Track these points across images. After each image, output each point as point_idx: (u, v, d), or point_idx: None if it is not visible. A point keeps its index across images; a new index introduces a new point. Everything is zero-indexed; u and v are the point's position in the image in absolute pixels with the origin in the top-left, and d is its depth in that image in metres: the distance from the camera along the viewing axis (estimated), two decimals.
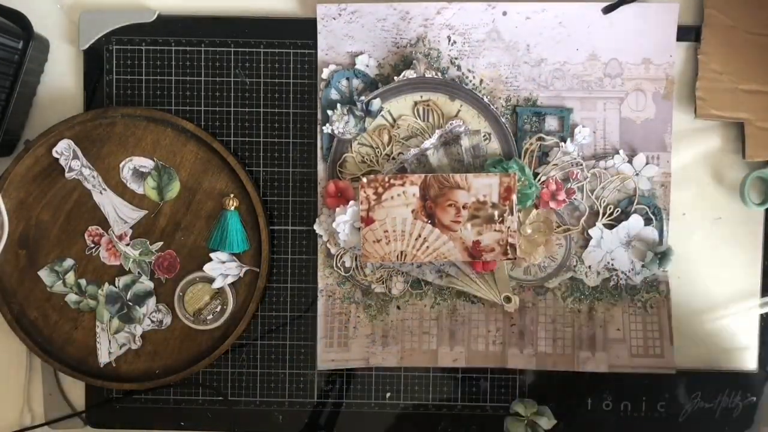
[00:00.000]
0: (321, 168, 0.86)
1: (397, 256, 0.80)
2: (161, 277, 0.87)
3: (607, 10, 0.84)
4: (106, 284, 0.86)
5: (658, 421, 0.88)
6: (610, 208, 0.85)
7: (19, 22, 0.83)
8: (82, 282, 0.86)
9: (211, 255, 0.85)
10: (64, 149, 0.85)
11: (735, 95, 0.84)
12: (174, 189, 0.86)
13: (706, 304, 0.88)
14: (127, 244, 0.86)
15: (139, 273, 0.86)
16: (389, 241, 0.80)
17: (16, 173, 0.85)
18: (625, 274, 0.86)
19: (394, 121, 0.85)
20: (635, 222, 0.85)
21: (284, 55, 0.87)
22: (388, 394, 0.89)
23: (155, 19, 0.86)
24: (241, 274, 0.86)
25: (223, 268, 0.85)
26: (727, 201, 0.87)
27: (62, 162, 0.85)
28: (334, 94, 0.85)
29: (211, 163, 0.86)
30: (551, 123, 0.85)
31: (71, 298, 0.87)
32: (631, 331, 0.87)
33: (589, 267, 0.86)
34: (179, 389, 0.89)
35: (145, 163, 0.86)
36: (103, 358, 0.87)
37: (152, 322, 0.87)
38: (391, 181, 0.79)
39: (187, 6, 0.87)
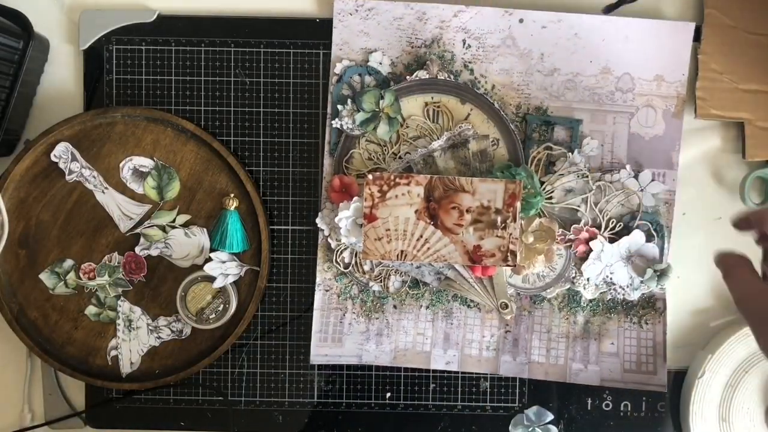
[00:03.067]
0: (327, 163, 0.86)
1: (398, 255, 0.80)
2: (134, 279, 0.87)
3: (608, 10, 0.84)
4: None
5: (658, 421, 0.88)
6: (612, 222, 0.85)
7: (19, 22, 0.83)
8: (101, 295, 0.87)
9: (211, 255, 0.85)
10: (62, 152, 0.85)
11: (735, 95, 0.84)
12: (174, 189, 0.86)
13: (706, 303, 0.88)
14: (92, 278, 0.87)
15: (104, 298, 0.87)
16: (390, 239, 0.80)
17: (16, 173, 0.85)
18: (623, 289, 0.85)
19: (404, 120, 0.85)
20: (637, 237, 0.84)
21: (284, 54, 0.87)
22: (388, 394, 0.89)
23: (155, 19, 0.86)
24: (242, 274, 0.86)
25: (223, 268, 0.85)
26: (727, 201, 0.87)
27: (61, 165, 0.85)
28: (345, 90, 0.85)
29: (211, 162, 0.86)
30: (560, 133, 0.85)
31: (91, 310, 0.87)
32: (625, 346, 0.87)
33: (588, 279, 0.85)
34: (179, 389, 0.89)
35: (145, 163, 0.86)
36: (125, 368, 0.88)
37: (172, 332, 0.87)
38: (397, 179, 0.79)
39: (187, 6, 0.87)
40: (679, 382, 0.88)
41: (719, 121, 0.86)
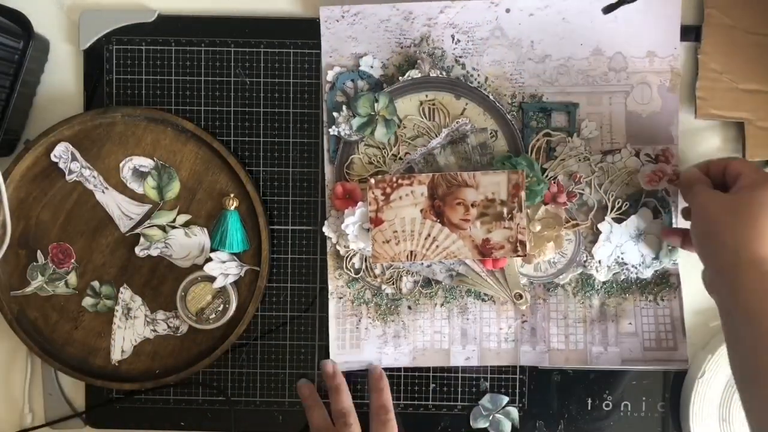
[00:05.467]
0: (328, 170, 0.86)
1: (407, 256, 0.80)
2: (64, 270, 0.87)
3: (607, 10, 0.84)
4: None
5: (658, 421, 0.88)
6: (618, 202, 0.85)
7: (19, 22, 0.83)
8: (95, 284, 0.87)
9: (211, 255, 0.85)
10: (62, 152, 0.85)
11: (735, 95, 0.84)
12: (174, 189, 0.86)
13: (706, 303, 0.88)
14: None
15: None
16: (399, 241, 0.80)
17: (16, 173, 0.85)
18: (636, 268, 0.86)
19: (400, 121, 0.85)
20: (644, 215, 0.85)
21: (284, 54, 0.87)
22: None
23: (155, 19, 0.86)
24: (242, 274, 0.86)
25: (223, 268, 0.85)
26: None
27: (61, 165, 0.85)
28: (339, 96, 0.85)
29: (211, 162, 0.86)
30: (557, 119, 0.86)
31: (88, 301, 0.87)
32: (643, 324, 0.87)
33: (599, 262, 0.86)
34: (179, 389, 0.89)
35: (145, 163, 0.86)
36: (116, 355, 0.87)
37: (168, 327, 0.87)
38: (399, 181, 0.79)
39: (187, 6, 0.87)
40: (679, 382, 0.88)
41: (719, 120, 0.86)
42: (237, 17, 0.87)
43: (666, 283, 0.87)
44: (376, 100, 0.83)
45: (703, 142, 0.87)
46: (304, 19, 0.87)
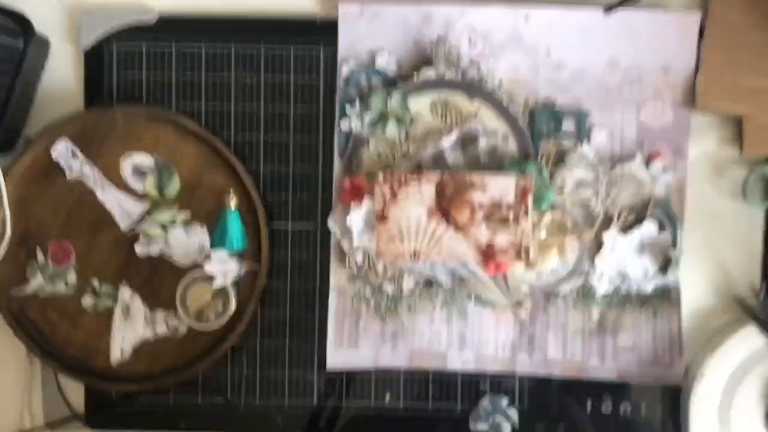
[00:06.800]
0: (337, 164, 0.86)
1: (411, 255, 0.80)
2: (64, 268, 0.87)
3: (608, 9, 0.84)
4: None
5: (658, 423, 0.88)
6: (624, 213, 0.85)
7: (19, 22, 0.83)
8: (95, 283, 0.87)
9: (212, 254, 0.85)
10: (62, 150, 0.85)
11: (736, 90, 0.84)
12: (174, 187, 0.86)
13: (706, 303, 0.88)
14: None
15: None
16: (403, 239, 0.80)
17: (17, 171, 0.85)
18: (637, 281, 0.86)
19: (412, 119, 0.85)
20: (649, 228, 0.85)
21: (284, 53, 0.87)
22: (387, 396, 0.88)
23: (155, 19, 0.86)
24: (242, 274, 0.86)
25: (223, 267, 0.85)
26: (727, 200, 0.87)
27: (62, 163, 0.85)
28: (352, 91, 0.85)
29: (211, 161, 0.86)
30: (569, 126, 0.86)
31: (88, 301, 0.87)
32: (641, 339, 0.87)
33: (602, 273, 0.85)
34: (179, 390, 0.89)
35: (146, 161, 0.86)
36: (116, 356, 0.87)
37: (168, 328, 0.87)
38: (407, 179, 0.79)
39: (187, 6, 0.87)
40: (679, 383, 0.87)
41: (718, 116, 0.86)
42: (237, 17, 0.87)
43: (667, 298, 0.86)
44: (389, 97, 0.84)
45: (703, 141, 0.87)
46: (305, 19, 0.87)
